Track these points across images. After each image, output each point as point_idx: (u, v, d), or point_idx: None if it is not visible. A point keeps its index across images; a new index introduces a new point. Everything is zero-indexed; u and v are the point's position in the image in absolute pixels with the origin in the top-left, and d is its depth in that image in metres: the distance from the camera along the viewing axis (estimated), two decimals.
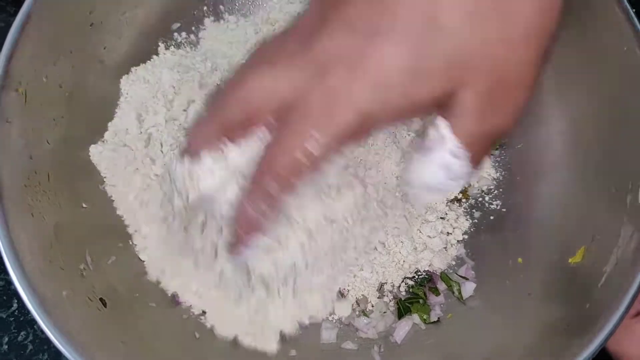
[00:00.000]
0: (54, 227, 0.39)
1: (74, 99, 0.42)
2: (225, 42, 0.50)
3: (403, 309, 0.45)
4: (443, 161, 0.29)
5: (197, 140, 0.31)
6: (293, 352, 0.43)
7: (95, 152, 0.43)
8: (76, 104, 0.42)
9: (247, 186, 0.31)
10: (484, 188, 0.49)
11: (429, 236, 0.46)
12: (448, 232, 0.47)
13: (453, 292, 0.46)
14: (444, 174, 0.30)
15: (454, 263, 0.47)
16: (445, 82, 0.27)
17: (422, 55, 0.27)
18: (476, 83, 0.28)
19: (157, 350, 0.40)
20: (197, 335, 0.42)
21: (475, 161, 0.30)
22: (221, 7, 0.50)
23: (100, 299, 0.40)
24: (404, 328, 0.44)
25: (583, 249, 0.42)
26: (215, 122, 0.31)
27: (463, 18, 0.26)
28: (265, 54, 0.30)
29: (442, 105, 0.28)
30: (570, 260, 0.42)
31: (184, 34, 0.49)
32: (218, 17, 0.50)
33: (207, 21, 0.50)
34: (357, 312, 0.45)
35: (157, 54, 0.48)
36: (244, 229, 0.31)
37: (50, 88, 0.40)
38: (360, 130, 0.28)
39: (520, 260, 0.45)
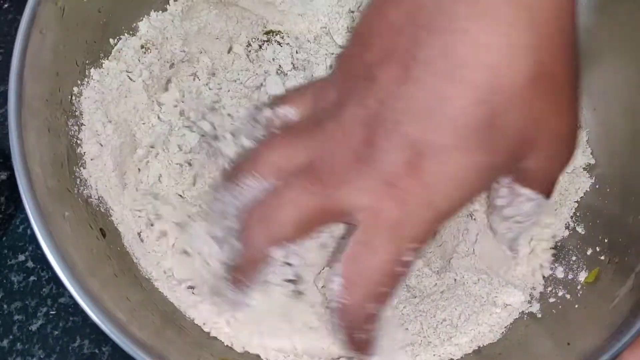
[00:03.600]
0: (67, 147, 0.38)
1: (109, 28, 0.42)
2: None
3: None
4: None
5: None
6: None
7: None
8: (111, 34, 0.42)
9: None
10: None
11: None
12: None
13: None
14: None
15: None
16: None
17: None
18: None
19: (149, 291, 0.39)
20: None
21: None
22: None
23: (100, 229, 0.39)
24: None
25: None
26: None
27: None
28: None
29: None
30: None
31: None
32: None
33: None
34: None
35: None
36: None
37: (89, 10, 0.40)
38: None
39: None
